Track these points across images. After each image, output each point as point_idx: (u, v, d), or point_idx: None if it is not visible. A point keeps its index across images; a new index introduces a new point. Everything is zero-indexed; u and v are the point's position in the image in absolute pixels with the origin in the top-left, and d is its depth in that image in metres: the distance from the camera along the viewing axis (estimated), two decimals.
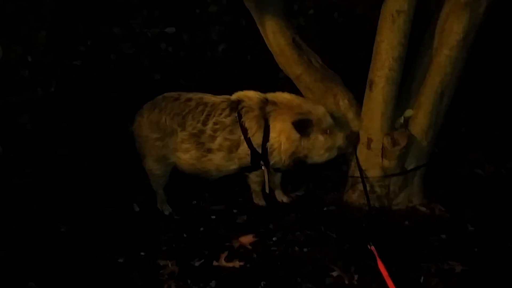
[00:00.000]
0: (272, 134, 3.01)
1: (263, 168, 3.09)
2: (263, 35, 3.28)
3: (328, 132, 3.01)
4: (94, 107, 3.66)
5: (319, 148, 3.03)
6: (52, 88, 3.44)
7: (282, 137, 3.01)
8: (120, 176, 3.44)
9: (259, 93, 3.09)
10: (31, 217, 3.05)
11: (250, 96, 3.08)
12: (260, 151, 3.03)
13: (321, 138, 3.01)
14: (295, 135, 2.99)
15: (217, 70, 3.98)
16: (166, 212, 3.22)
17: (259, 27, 3.27)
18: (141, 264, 2.73)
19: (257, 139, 3.02)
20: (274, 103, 3.03)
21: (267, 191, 3.19)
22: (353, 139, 3.09)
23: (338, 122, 3.12)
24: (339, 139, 3.04)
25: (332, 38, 4.11)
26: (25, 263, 2.70)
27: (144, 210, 3.23)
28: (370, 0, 3.92)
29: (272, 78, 3.79)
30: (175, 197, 3.30)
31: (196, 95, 3.14)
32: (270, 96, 3.08)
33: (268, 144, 3.02)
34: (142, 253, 2.82)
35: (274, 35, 3.22)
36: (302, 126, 2.97)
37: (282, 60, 3.27)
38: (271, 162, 3.08)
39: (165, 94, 3.19)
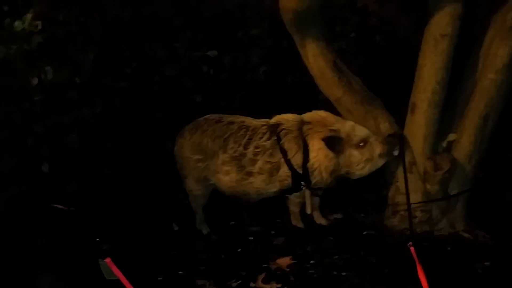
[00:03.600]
0: (312, 154, 3.02)
1: (304, 189, 3.08)
2: (303, 57, 3.30)
3: (362, 144, 2.98)
4: (138, 127, 3.75)
5: (357, 162, 3.00)
6: (98, 108, 3.54)
7: (321, 156, 3.01)
8: (160, 196, 3.49)
9: (296, 115, 3.12)
10: (76, 234, 3.11)
11: (288, 118, 3.12)
12: (301, 172, 3.03)
13: (355, 153, 2.99)
14: (332, 152, 2.99)
15: (258, 92, 4.01)
16: (205, 232, 3.25)
17: (300, 50, 3.29)
18: (179, 283, 2.75)
19: (297, 160, 3.03)
20: (309, 123, 3.06)
21: (309, 212, 3.19)
22: (393, 140, 2.99)
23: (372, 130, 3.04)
24: (376, 147, 2.98)
25: (373, 61, 4.10)
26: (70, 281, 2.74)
27: (183, 230, 3.27)
28: (413, 23, 3.90)
29: (312, 101, 3.79)
30: (214, 218, 3.32)
31: (238, 119, 3.19)
32: (306, 116, 3.11)
33: (309, 164, 3.02)
34: (180, 272, 2.84)
35: (315, 58, 3.24)
36: (332, 143, 2.97)
37: (322, 83, 3.27)
38: (313, 182, 3.07)
39: (207, 116, 3.24)
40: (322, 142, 2.98)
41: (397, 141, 3.00)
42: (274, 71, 4.05)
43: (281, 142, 3.02)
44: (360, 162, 3.00)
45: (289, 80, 4.06)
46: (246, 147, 3.06)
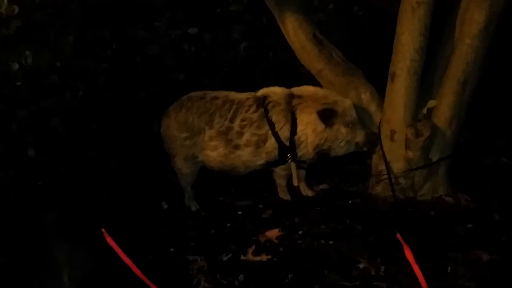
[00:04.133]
0: (300, 127, 3.06)
1: (290, 161, 3.12)
2: (283, 32, 3.32)
3: (350, 126, 3.05)
4: (122, 109, 3.75)
5: (340, 139, 3.07)
6: (81, 91, 3.53)
7: (308, 130, 3.06)
8: (148, 175, 3.52)
9: (284, 88, 3.15)
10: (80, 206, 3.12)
11: (276, 91, 3.14)
12: (288, 145, 3.07)
13: (343, 130, 3.06)
14: (321, 126, 3.04)
15: (240, 68, 4.02)
16: (194, 209, 3.29)
17: (280, 24, 3.30)
18: (171, 260, 2.80)
19: (284, 133, 3.07)
20: (299, 97, 3.09)
21: (296, 184, 3.23)
22: (371, 139, 3.12)
23: (361, 120, 3.15)
24: (359, 135, 3.09)
25: (352, 32, 4.12)
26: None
27: (172, 208, 3.30)
28: None
29: (294, 74, 3.82)
30: (202, 194, 3.36)
31: (221, 93, 3.20)
32: (296, 90, 3.14)
33: (296, 137, 3.07)
34: (171, 249, 2.89)
35: (295, 31, 3.26)
36: (327, 115, 3.02)
37: (303, 56, 3.30)
38: (298, 155, 3.12)
39: (190, 94, 3.25)
40: (311, 116, 3.03)
41: (374, 142, 3.13)
42: (255, 46, 4.06)
43: (268, 114, 3.06)
44: (343, 140, 3.08)
45: (270, 55, 4.07)
46: (232, 120, 3.09)
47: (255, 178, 3.38)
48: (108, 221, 3.11)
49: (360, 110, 3.16)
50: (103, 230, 2.40)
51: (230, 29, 4.06)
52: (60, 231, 2.39)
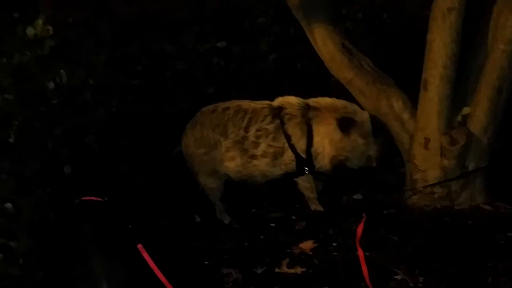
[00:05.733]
0: (316, 139, 3.07)
1: (307, 173, 3.12)
2: (312, 42, 3.31)
3: (365, 138, 3.07)
4: (153, 123, 3.79)
5: (357, 150, 3.08)
6: (113, 107, 3.58)
7: (325, 141, 3.07)
8: (180, 189, 3.54)
9: (300, 98, 3.15)
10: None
11: (291, 101, 3.14)
12: (304, 157, 3.06)
13: (360, 140, 3.06)
14: (338, 136, 3.04)
15: (269, 79, 4.03)
16: (226, 222, 3.28)
17: (308, 35, 3.30)
18: (205, 273, 2.80)
19: (301, 145, 3.07)
20: (316, 108, 3.09)
21: (315, 196, 3.21)
22: (382, 154, 3.14)
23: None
24: (372, 149, 3.10)
25: (382, 40, 4.09)
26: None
27: (205, 221, 3.31)
28: (419, 0, 3.88)
29: (323, 85, 3.81)
30: (235, 207, 3.36)
31: (232, 103, 3.21)
32: (312, 101, 3.14)
33: (312, 149, 3.06)
34: (206, 262, 2.89)
35: (323, 42, 3.25)
36: (346, 124, 3.02)
37: (333, 66, 3.29)
38: (316, 167, 3.11)
39: (202, 109, 3.27)
40: (329, 127, 3.04)
41: (381, 155, 3.16)
42: (284, 58, 4.07)
43: (284, 126, 3.05)
44: (359, 151, 3.08)
45: (299, 66, 4.07)
46: (247, 129, 3.09)
47: (288, 190, 3.37)
48: (142, 235, 3.15)
49: (393, 118, 3.13)
50: (139, 246, 2.45)
51: (258, 41, 4.08)
52: (98, 244, 2.43)
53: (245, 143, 3.09)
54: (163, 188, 3.54)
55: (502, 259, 2.64)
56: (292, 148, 3.06)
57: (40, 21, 2.86)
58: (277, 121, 3.06)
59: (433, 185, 3.07)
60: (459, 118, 3.02)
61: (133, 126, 3.72)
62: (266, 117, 3.09)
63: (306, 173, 3.13)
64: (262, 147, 3.08)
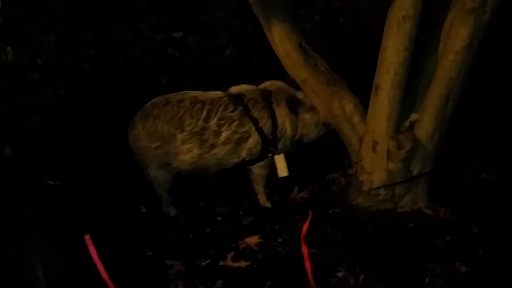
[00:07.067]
0: (279, 120, 3.18)
1: (270, 156, 3.20)
2: (270, 39, 3.32)
3: (311, 111, 3.24)
4: (102, 110, 3.70)
5: (309, 125, 3.24)
6: (61, 90, 3.47)
7: (286, 121, 3.19)
8: (126, 178, 3.46)
9: (252, 85, 3.27)
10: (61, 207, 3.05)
11: (249, 89, 3.23)
12: (271, 139, 3.16)
13: (307, 115, 3.23)
14: (294, 116, 3.20)
15: (224, 73, 4.02)
16: (172, 214, 3.25)
17: (266, 32, 3.30)
18: (148, 264, 2.76)
19: (268, 128, 3.15)
20: (273, 92, 3.23)
21: (284, 174, 3.25)
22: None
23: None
24: (320, 119, 3.26)
25: (337, 43, 4.16)
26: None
27: (151, 212, 3.26)
28: (375, 7, 3.96)
29: None
30: (181, 199, 3.32)
31: (186, 95, 3.18)
32: (265, 86, 3.27)
33: (278, 131, 3.17)
34: (149, 253, 2.85)
35: (281, 40, 3.26)
36: (293, 104, 3.20)
37: (288, 64, 3.30)
38: (279, 148, 3.21)
39: (153, 101, 3.20)
40: (286, 108, 3.18)
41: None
42: (240, 53, 4.06)
43: (251, 112, 3.11)
44: (311, 124, 3.25)
45: (255, 63, 4.08)
46: (207, 120, 3.07)
47: (236, 185, 3.37)
48: (84, 222, 3.07)
49: (344, 120, 3.19)
50: (86, 237, 2.37)
51: (215, 34, 4.06)
52: (37, 229, 2.34)
53: (204, 133, 3.08)
54: (110, 177, 3.46)
55: (440, 261, 2.73)
56: (260, 131, 3.13)
57: None
58: (240, 108, 3.11)
59: (378, 188, 3.14)
60: (407, 123, 3.10)
61: (82, 111, 3.62)
62: (228, 105, 3.11)
63: (269, 156, 3.21)
64: (225, 134, 3.10)
